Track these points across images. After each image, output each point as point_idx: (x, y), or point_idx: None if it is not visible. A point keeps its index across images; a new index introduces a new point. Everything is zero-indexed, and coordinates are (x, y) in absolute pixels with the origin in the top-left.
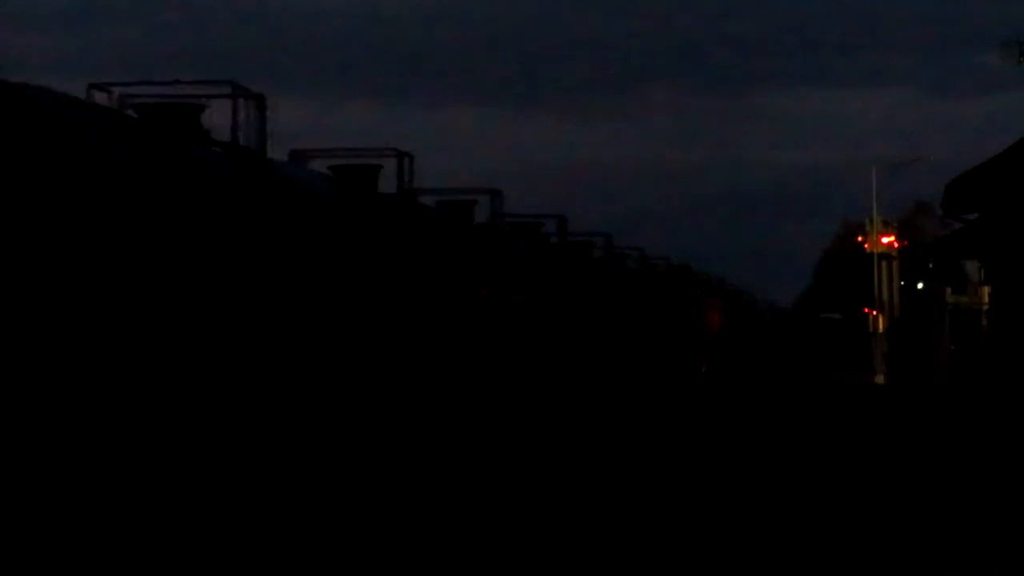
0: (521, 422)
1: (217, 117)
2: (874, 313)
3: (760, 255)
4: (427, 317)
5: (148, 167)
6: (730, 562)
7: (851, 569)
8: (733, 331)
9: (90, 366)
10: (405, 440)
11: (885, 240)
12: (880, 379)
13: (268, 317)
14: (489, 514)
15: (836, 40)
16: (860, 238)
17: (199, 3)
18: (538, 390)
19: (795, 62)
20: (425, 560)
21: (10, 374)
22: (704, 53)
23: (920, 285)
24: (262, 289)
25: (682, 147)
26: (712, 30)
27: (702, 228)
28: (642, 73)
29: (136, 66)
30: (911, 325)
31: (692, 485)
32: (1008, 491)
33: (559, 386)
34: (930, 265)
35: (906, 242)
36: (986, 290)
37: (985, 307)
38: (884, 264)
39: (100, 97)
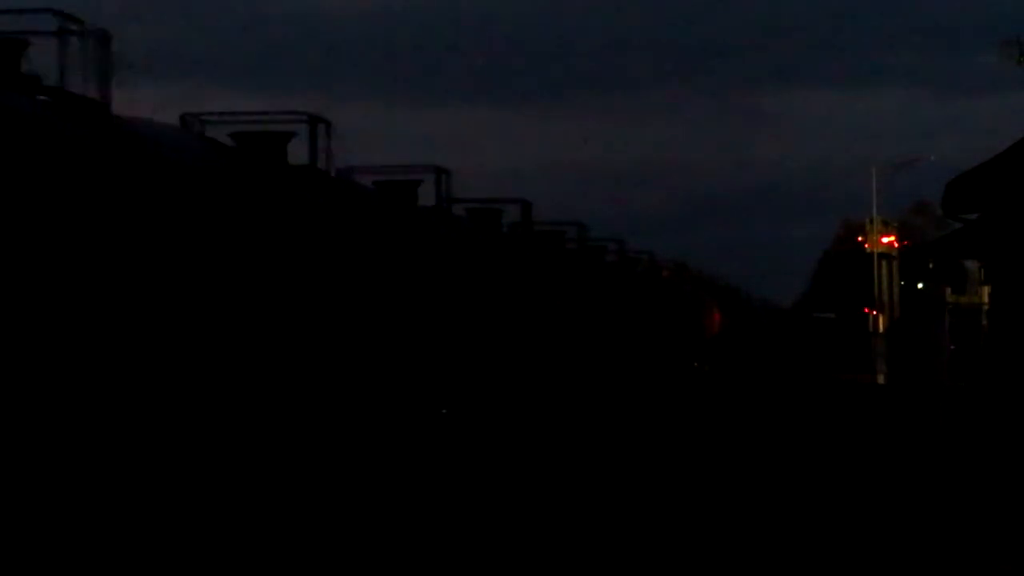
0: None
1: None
2: (875, 313)
3: (761, 255)
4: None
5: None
6: (729, 561)
7: (851, 569)
8: (729, 330)
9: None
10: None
11: (885, 240)
12: (880, 379)
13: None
14: (489, 513)
15: (836, 40)
16: (860, 238)
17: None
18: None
19: (795, 62)
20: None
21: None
22: (704, 53)
23: (920, 285)
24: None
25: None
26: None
27: (702, 228)
28: (643, 74)
29: None
30: (911, 325)
31: (684, 480)
32: (1008, 491)
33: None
34: (930, 265)
35: (906, 242)
36: (986, 290)
37: (985, 307)
38: (884, 264)
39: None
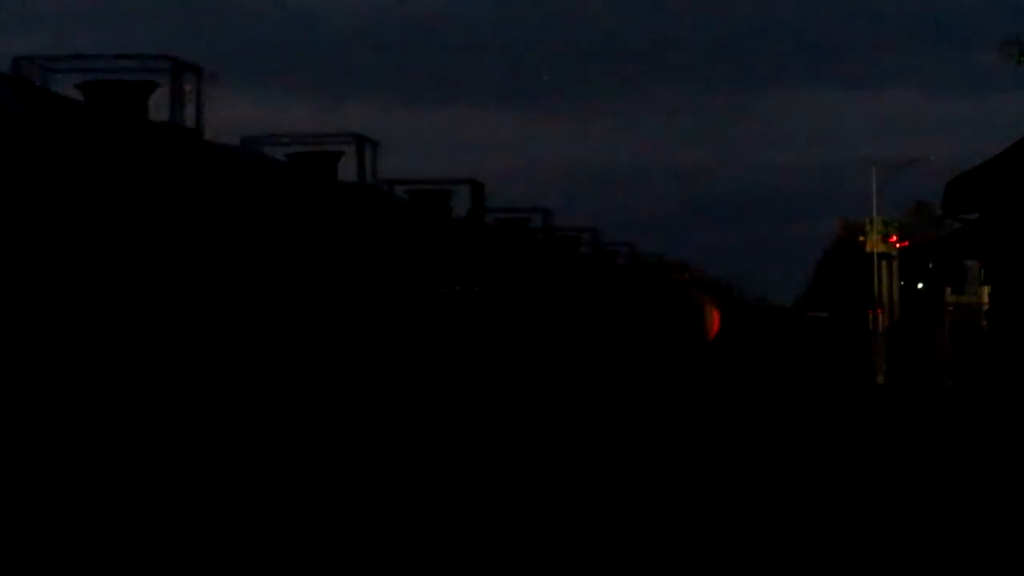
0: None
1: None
2: (878, 312)
3: (761, 255)
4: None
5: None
6: (728, 560)
7: (851, 568)
8: (729, 330)
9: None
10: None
11: (886, 240)
12: (880, 378)
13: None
14: (488, 513)
15: (836, 40)
16: (860, 238)
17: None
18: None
19: (795, 62)
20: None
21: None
22: (705, 54)
23: (920, 285)
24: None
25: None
26: (712, 31)
27: (703, 228)
28: (643, 74)
29: None
30: (911, 325)
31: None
32: (1008, 490)
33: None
34: (930, 265)
35: (906, 242)
36: (986, 290)
37: (985, 307)
38: (884, 264)
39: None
